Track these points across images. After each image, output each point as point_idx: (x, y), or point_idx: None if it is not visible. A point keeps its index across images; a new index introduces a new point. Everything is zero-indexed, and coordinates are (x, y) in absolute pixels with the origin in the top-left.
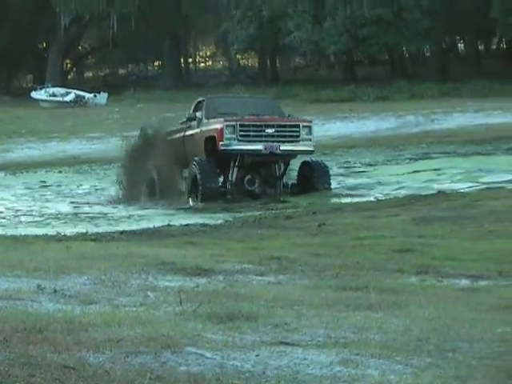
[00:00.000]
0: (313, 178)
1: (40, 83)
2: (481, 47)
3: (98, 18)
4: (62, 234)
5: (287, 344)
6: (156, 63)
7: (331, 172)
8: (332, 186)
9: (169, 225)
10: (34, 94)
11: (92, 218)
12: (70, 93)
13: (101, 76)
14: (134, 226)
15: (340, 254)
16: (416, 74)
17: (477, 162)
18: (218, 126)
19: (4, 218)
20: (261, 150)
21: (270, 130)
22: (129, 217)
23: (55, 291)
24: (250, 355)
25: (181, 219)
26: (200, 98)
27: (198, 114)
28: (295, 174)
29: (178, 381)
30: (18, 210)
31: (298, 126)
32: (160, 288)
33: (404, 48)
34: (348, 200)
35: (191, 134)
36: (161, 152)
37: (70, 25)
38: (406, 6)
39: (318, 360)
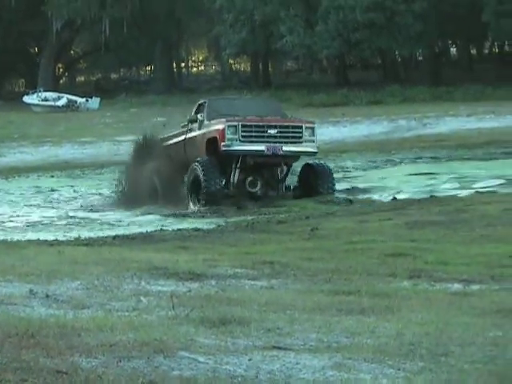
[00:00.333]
0: (317, 180)
1: (32, 88)
2: (473, 51)
3: (90, 22)
4: (55, 238)
5: (280, 348)
6: (148, 68)
7: None
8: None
9: (161, 229)
10: (26, 99)
11: (85, 222)
12: (62, 97)
13: (93, 80)
14: (127, 231)
15: (332, 258)
16: (408, 78)
17: (469, 166)
18: (220, 127)
19: None
20: (263, 151)
21: (272, 131)
22: (121, 221)
23: (47, 296)
24: (242, 359)
25: (174, 224)
26: (201, 100)
27: (200, 116)
28: (296, 176)
29: None
30: (10, 216)
31: (300, 127)
32: (152, 293)
33: (396, 52)
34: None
35: (192, 137)
36: (162, 156)
37: (62, 29)
38: (399, 10)
39: (310, 364)
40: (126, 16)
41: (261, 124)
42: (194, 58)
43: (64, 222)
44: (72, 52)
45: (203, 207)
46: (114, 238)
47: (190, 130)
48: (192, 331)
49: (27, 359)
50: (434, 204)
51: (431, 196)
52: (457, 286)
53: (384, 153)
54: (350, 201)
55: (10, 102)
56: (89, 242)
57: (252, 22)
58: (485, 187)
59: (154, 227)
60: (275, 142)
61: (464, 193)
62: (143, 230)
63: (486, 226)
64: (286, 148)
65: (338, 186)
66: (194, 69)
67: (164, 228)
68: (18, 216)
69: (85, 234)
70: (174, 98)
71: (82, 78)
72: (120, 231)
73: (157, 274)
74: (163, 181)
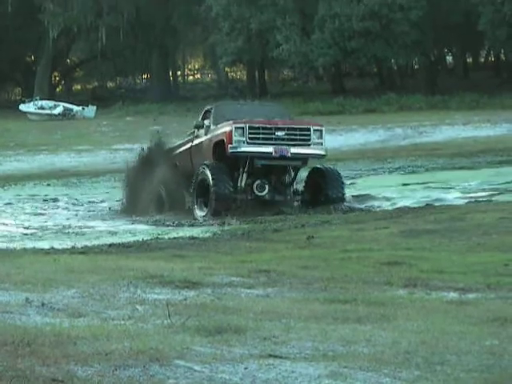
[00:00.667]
0: (326, 184)
1: (28, 96)
2: (469, 60)
3: (87, 30)
4: (50, 247)
5: (275, 357)
6: (144, 76)
7: None
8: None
9: (157, 238)
10: (22, 107)
11: (81, 230)
12: (58, 106)
13: (89, 89)
14: (123, 239)
15: (328, 266)
16: (404, 87)
17: (464, 174)
18: (227, 129)
19: None
20: (271, 153)
21: (280, 133)
22: (117, 229)
23: (43, 304)
24: (238, 368)
25: (170, 232)
26: (208, 107)
27: (206, 122)
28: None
29: None
30: (6, 224)
31: (308, 129)
32: (148, 301)
33: (392, 60)
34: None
35: (199, 143)
36: (168, 166)
37: (59, 37)
38: (395, 18)
39: (306, 373)
40: (122, 24)
41: (268, 126)
42: (190, 67)
43: (60, 230)
44: (68, 60)
45: (213, 212)
46: (110, 246)
47: (197, 137)
48: (188, 340)
49: (23, 368)
50: (430, 212)
51: (427, 204)
52: (453, 295)
53: (380, 161)
54: (353, 209)
55: (6, 111)
56: (84, 251)
57: (248, 31)
58: (481, 195)
59: (150, 235)
60: (283, 144)
61: (460, 201)
62: (139, 238)
63: (481, 235)
64: (293, 150)
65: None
66: (190, 77)
67: (160, 236)
68: (14, 224)
69: (81, 242)
70: (171, 106)
71: (79, 87)
72: (116, 239)
73: (152, 282)
74: (169, 190)
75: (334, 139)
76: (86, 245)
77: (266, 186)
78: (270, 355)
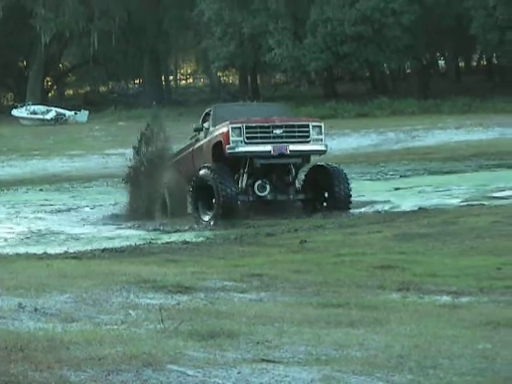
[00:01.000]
0: (332, 182)
1: (21, 101)
2: (461, 64)
3: (79, 35)
4: (43, 252)
5: (268, 361)
6: (137, 81)
7: None
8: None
9: (150, 242)
10: (14, 112)
11: (73, 235)
12: (50, 110)
13: (81, 94)
14: (116, 244)
15: (321, 270)
16: (397, 91)
17: (457, 178)
18: (224, 130)
19: None
20: (269, 152)
21: (278, 131)
22: (110, 234)
23: (36, 309)
24: (231, 372)
25: (163, 237)
26: (208, 109)
27: (206, 125)
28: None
29: None
30: None
31: (307, 125)
32: (141, 306)
33: (385, 65)
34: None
35: (199, 146)
36: (171, 171)
37: (50, 43)
38: (387, 23)
39: (299, 377)
40: (114, 29)
41: (266, 125)
42: (182, 71)
43: (53, 235)
44: (60, 65)
45: (220, 214)
46: (103, 251)
47: (197, 140)
48: (181, 344)
49: (16, 373)
50: (423, 216)
51: (420, 208)
52: (446, 299)
53: (373, 165)
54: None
55: None
56: (77, 255)
57: (240, 35)
58: (473, 199)
59: (143, 240)
60: (281, 142)
61: (453, 205)
62: (132, 243)
63: (474, 238)
64: (292, 148)
65: None
66: (183, 82)
67: (153, 241)
68: (7, 229)
69: (73, 247)
70: (163, 110)
71: (71, 92)
72: (109, 244)
73: (145, 287)
74: (172, 195)
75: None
76: (79, 250)
77: (267, 186)
78: (263, 359)
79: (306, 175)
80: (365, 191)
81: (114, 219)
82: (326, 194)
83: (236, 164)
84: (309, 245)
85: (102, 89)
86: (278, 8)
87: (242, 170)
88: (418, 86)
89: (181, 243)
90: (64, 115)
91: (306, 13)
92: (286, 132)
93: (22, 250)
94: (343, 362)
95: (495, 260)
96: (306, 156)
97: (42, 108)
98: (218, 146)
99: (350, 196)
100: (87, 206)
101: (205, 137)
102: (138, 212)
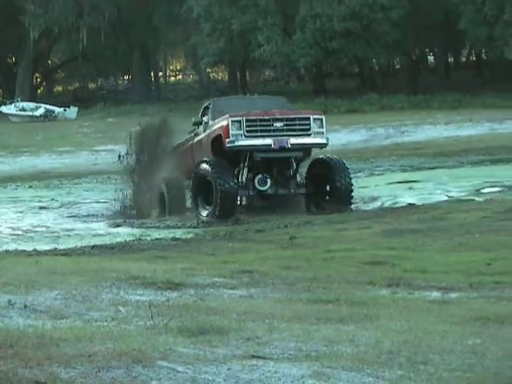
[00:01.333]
0: (333, 175)
1: (10, 98)
2: (450, 59)
3: (68, 31)
4: (33, 248)
5: (259, 357)
6: (126, 77)
7: None
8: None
9: (139, 239)
10: (3, 109)
11: (63, 232)
12: (39, 107)
13: (70, 90)
14: (106, 241)
15: (311, 266)
16: (386, 86)
17: (447, 174)
18: (224, 123)
19: None
20: (270, 145)
21: (278, 124)
22: (100, 231)
23: (26, 306)
24: (221, 369)
25: (152, 233)
26: (207, 103)
27: (205, 119)
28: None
29: None
30: None
31: (308, 118)
32: (131, 302)
33: (374, 60)
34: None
35: (198, 140)
36: (169, 166)
37: (39, 39)
38: (376, 18)
39: (289, 373)
40: (103, 25)
41: (266, 118)
42: (171, 67)
43: (42, 232)
44: (49, 62)
45: (219, 211)
46: (93, 247)
47: (196, 135)
48: (171, 341)
49: (5, 370)
50: (413, 212)
51: (409, 204)
52: (435, 294)
53: (362, 161)
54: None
55: None
56: (67, 252)
57: (229, 32)
58: (463, 195)
59: (133, 237)
60: (282, 136)
61: (442, 201)
62: (122, 239)
63: (464, 234)
64: (293, 141)
65: None
66: (172, 78)
67: (142, 238)
68: None
69: (63, 243)
70: (152, 107)
71: (60, 88)
72: (98, 241)
73: (135, 283)
74: (171, 191)
75: None
76: (69, 246)
77: (268, 180)
78: (253, 356)
79: (307, 168)
80: (354, 187)
81: (104, 216)
82: (328, 188)
83: (236, 158)
84: (298, 241)
85: (91, 85)
86: (268, 4)
87: (242, 164)
88: (407, 82)
89: (170, 240)
90: (53, 112)
91: (295, 9)
92: (287, 125)
93: (11, 246)
94: (333, 358)
95: (485, 255)
96: (307, 149)
97: (31, 105)
98: (217, 140)
99: (352, 190)
100: (77, 203)
101: (204, 131)
102: (133, 208)
